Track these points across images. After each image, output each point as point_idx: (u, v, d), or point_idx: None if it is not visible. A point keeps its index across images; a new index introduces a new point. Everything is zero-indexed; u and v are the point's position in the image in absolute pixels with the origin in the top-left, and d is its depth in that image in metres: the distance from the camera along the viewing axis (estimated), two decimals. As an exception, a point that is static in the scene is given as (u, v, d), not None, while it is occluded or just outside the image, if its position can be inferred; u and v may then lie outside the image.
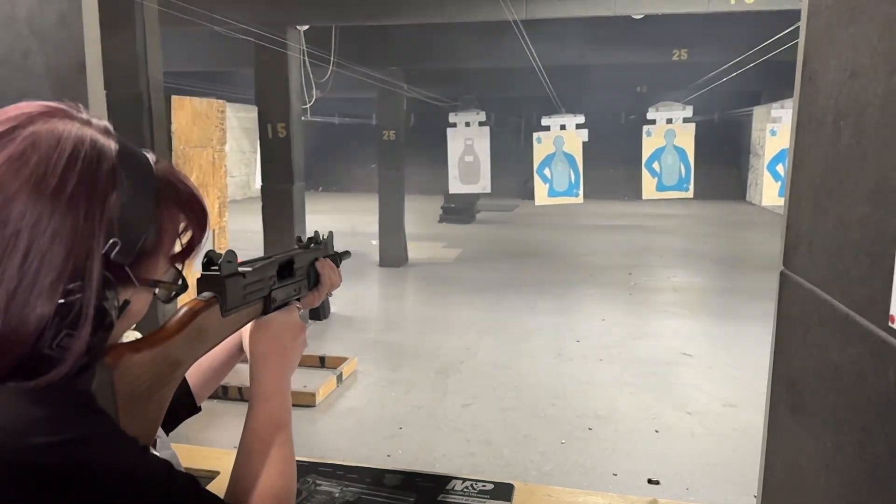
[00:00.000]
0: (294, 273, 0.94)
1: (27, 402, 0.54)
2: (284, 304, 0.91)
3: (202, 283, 0.77)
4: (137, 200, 0.61)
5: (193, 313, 0.72)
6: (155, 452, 0.72)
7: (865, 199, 0.70)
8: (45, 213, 0.55)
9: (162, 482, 0.59)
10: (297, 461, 1.42)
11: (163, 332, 0.69)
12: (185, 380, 0.96)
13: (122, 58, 4.33)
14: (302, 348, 0.91)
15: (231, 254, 0.78)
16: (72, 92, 1.19)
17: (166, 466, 0.61)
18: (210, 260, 0.77)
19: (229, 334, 0.80)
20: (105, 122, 0.63)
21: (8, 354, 0.54)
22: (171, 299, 0.70)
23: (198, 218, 0.70)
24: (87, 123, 0.61)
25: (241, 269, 0.81)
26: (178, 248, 0.69)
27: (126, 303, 0.62)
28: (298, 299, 0.96)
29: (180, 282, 0.69)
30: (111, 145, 0.60)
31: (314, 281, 1.02)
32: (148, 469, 0.59)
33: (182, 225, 0.69)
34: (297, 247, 1.01)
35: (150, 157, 0.67)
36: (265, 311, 0.87)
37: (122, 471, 0.56)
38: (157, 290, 0.68)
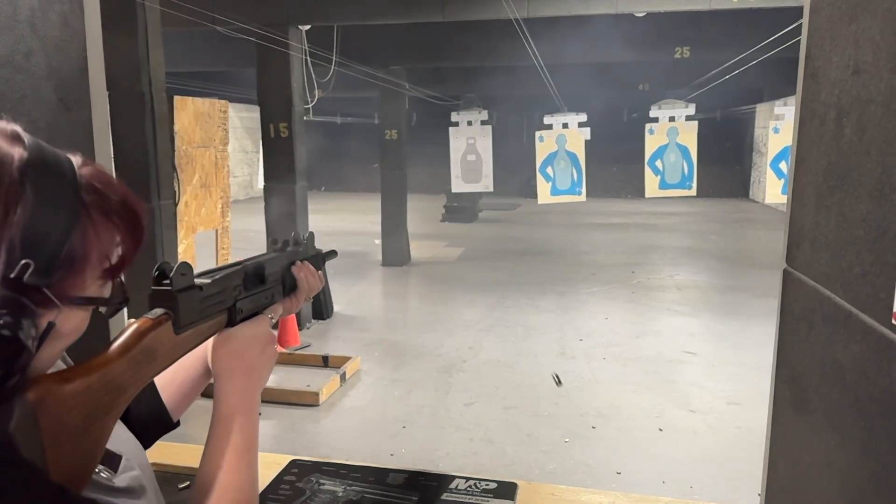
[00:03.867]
0: (266, 280, 0.88)
1: None
2: (255, 315, 0.85)
3: (153, 299, 0.70)
4: (50, 213, 0.55)
5: (139, 334, 0.66)
6: (104, 477, 0.67)
7: (868, 195, 0.69)
8: None
9: None
10: (301, 461, 1.43)
11: (102, 357, 0.62)
12: (157, 396, 0.91)
13: (125, 58, 4.34)
14: (271, 362, 0.84)
15: (185, 266, 0.72)
16: (74, 93, 1.19)
17: None
18: (162, 273, 0.70)
19: (187, 351, 0.74)
20: (13, 127, 0.57)
21: None
22: (112, 315, 0.65)
23: (129, 227, 0.63)
24: None
25: (198, 280, 0.75)
26: (111, 259, 0.62)
27: (51, 325, 0.56)
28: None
29: (118, 296, 0.64)
30: (16, 153, 0.54)
31: (291, 286, 0.95)
32: None
33: (114, 235, 0.62)
34: (272, 250, 0.96)
35: (76, 160, 0.60)
36: (231, 323, 0.81)
37: None
38: (98, 307, 0.62)
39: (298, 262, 0.98)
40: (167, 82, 4.71)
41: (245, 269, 0.85)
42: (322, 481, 1.34)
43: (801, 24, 0.96)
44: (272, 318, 0.89)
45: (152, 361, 0.67)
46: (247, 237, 8.91)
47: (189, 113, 5.24)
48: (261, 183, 6.72)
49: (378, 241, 9.53)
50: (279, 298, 0.93)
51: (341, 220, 13.43)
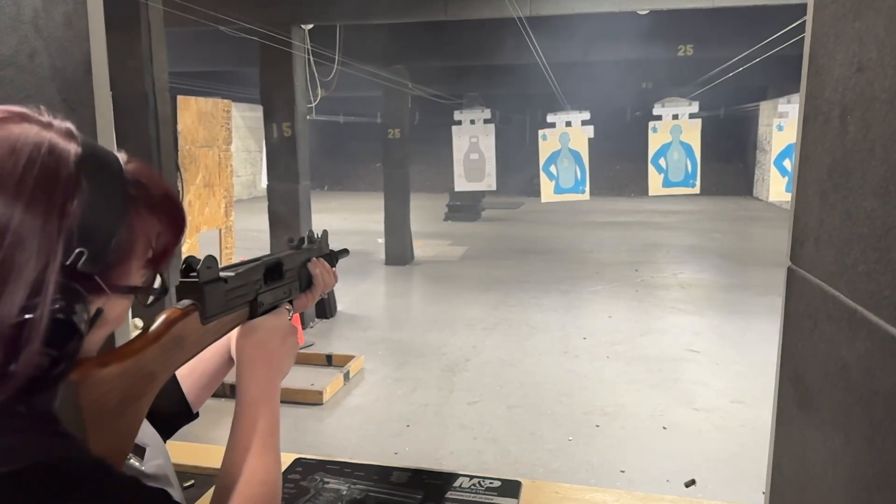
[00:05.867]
0: (283, 275, 0.92)
1: None
2: (274, 308, 0.88)
3: (181, 291, 0.74)
4: (102, 206, 0.59)
5: (169, 323, 0.70)
6: (137, 464, 0.70)
7: (873, 193, 0.69)
8: (3, 223, 0.52)
9: (127, 502, 0.58)
10: (305, 459, 1.43)
11: (135, 343, 0.66)
12: (178, 387, 0.94)
13: (128, 58, 4.35)
14: (293, 352, 0.88)
15: (210, 259, 0.76)
16: (78, 93, 1.19)
17: (133, 484, 0.59)
18: (189, 266, 0.74)
19: (212, 341, 0.78)
20: (67, 124, 0.60)
21: None
22: (151, 304, 0.68)
23: (172, 220, 0.67)
24: (48, 126, 0.58)
25: (222, 273, 0.78)
26: (152, 251, 0.66)
27: (99, 312, 0.60)
28: (290, 302, 0.94)
29: (159, 286, 0.67)
30: (72, 149, 0.58)
31: (307, 282, 0.99)
32: (112, 490, 0.57)
33: (157, 228, 0.65)
34: (288, 247, 0.98)
35: (121, 157, 0.64)
36: (252, 316, 0.84)
37: (84, 496, 0.53)
38: (136, 296, 0.65)
39: (314, 259, 1.01)
40: (170, 82, 4.71)
41: (265, 264, 0.88)
42: (326, 480, 1.35)
43: (804, 21, 0.96)
44: (290, 311, 0.92)
45: (181, 349, 0.71)
46: (250, 236, 8.93)
47: (192, 112, 5.25)
48: (264, 182, 6.73)
49: (381, 240, 9.54)
50: (296, 293, 0.96)
51: (344, 220, 13.44)
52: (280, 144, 6.17)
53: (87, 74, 1.20)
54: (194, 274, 0.74)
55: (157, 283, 0.68)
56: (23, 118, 0.58)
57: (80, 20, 1.18)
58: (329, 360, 5.14)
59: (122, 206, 0.61)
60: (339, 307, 6.78)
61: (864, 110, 0.72)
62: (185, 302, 0.73)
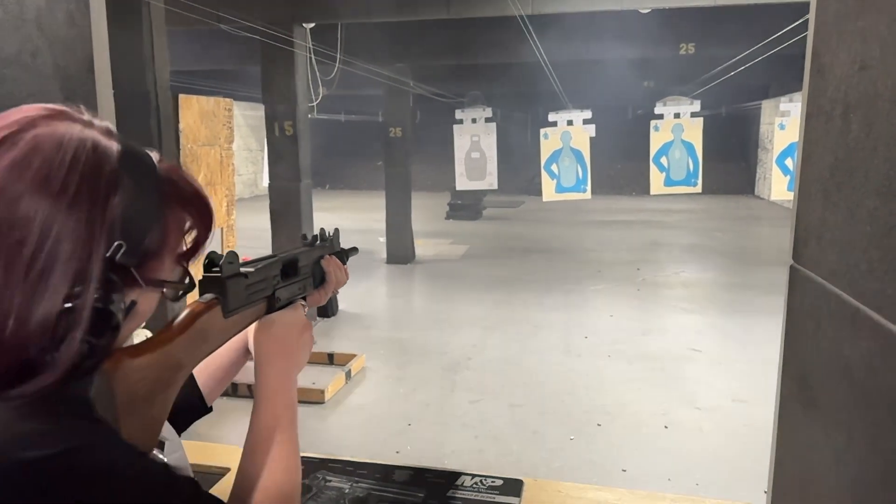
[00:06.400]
0: (298, 271, 0.94)
1: (19, 416, 0.54)
2: (289, 304, 0.91)
3: (204, 285, 0.77)
4: (140, 201, 0.61)
5: (194, 316, 0.72)
6: (161, 456, 0.72)
7: (875, 192, 0.69)
8: (50, 215, 0.55)
9: (161, 487, 0.60)
10: (307, 458, 1.43)
11: (163, 335, 0.68)
12: (194, 381, 0.96)
13: (130, 57, 4.35)
14: (308, 346, 0.91)
15: (232, 255, 0.78)
16: (80, 91, 1.20)
17: (164, 471, 0.62)
18: (211, 261, 0.77)
19: (233, 335, 0.80)
20: (107, 123, 0.63)
21: (6, 358, 0.54)
22: (178, 298, 0.70)
23: (202, 216, 0.70)
24: (89, 125, 0.61)
25: (243, 269, 0.81)
26: (183, 246, 0.69)
27: (133, 304, 0.62)
28: (304, 298, 0.96)
29: (187, 280, 0.70)
30: (113, 146, 0.60)
31: (320, 279, 1.01)
32: (146, 475, 0.59)
33: (187, 224, 0.68)
34: (302, 245, 1.00)
35: (154, 156, 0.66)
36: (269, 311, 0.87)
37: (120, 479, 0.56)
38: (164, 290, 0.67)
39: (327, 256, 1.03)
40: (172, 81, 4.71)
41: (282, 260, 0.90)
42: (328, 478, 1.35)
43: (807, 19, 0.96)
44: (305, 307, 0.94)
45: (205, 342, 0.73)
46: (252, 235, 8.92)
47: (194, 111, 5.25)
48: (265, 181, 6.73)
49: (382, 239, 9.54)
50: (310, 290, 0.98)
51: (346, 218, 13.44)
52: (281, 143, 6.18)
53: (89, 73, 1.21)
54: (217, 269, 0.76)
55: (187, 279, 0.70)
56: (65, 116, 0.61)
57: (83, 19, 1.18)
58: (331, 359, 5.14)
59: (158, 201, 0.64)
60: (341, 306, 6.78)
61: (866, 109, 0.72)
62: (208, 296, 0.76)
